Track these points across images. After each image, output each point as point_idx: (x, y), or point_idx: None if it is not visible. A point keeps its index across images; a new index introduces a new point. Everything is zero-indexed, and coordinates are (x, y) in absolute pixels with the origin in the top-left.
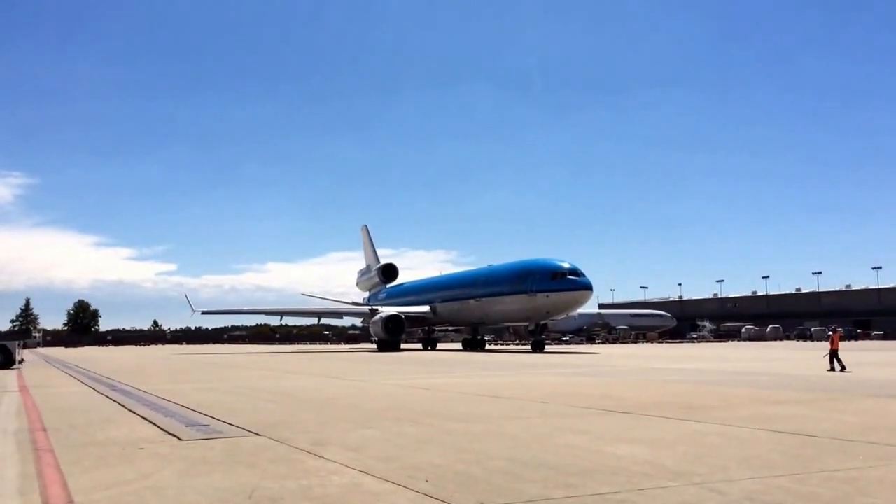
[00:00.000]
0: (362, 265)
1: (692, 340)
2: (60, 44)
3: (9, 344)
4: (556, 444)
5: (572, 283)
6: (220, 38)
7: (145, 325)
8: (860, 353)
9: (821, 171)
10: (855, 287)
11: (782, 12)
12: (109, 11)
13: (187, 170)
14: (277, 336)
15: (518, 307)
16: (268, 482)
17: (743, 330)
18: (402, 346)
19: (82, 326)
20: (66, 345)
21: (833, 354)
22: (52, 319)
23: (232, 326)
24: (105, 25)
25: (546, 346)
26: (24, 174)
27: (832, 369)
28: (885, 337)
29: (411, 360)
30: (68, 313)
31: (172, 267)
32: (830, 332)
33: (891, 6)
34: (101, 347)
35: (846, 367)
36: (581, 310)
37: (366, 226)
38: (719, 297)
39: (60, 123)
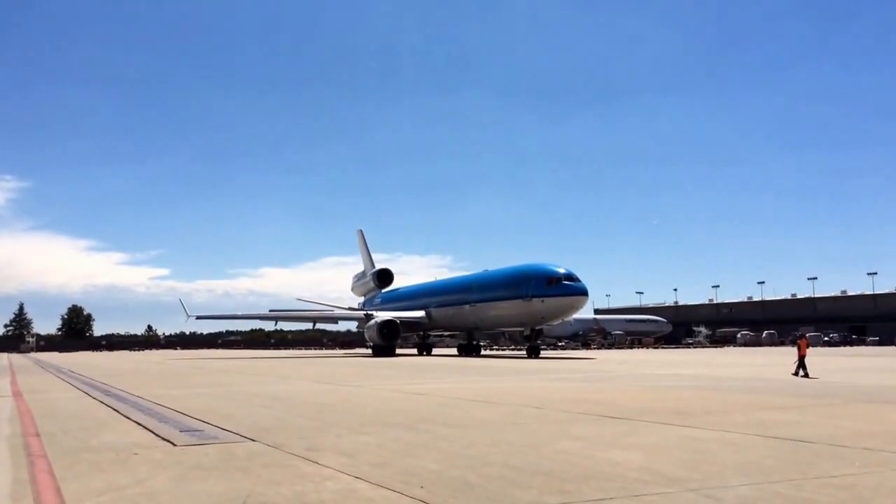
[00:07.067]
0: (357, 270)
1: (688, 346)
2: (54, 48)
3: None
4: (552, 450)
5: (568, 288)
6: (213, 45)
7: (139, 330)
8: (851, 360)
9: (816, 176)
10: (850, 293)
11: (775, 19)
12: (104, 17)
13: (180, 174)
14: (272, 341)
15: (513, 312)
16: (262, 488)
17: (738, 335)
18: (398, 351)
19: (76, 331)
20: (60, 350)
21: (801, 360)
22: (46, 324)
23: (227, 331)
24: (99, 30)
25: (542, 352)
26: (17, 178)
27: (796, 374)
28: (880, 343)
29: (406, 366)
30: (62, 318)
31: (165, 272)
32: (798, 339)
33: (883, 14)
34: (95, 352)
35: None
36: (577, 315)
37: (361, 230)
38: (715, 302)
39: (53, 127)
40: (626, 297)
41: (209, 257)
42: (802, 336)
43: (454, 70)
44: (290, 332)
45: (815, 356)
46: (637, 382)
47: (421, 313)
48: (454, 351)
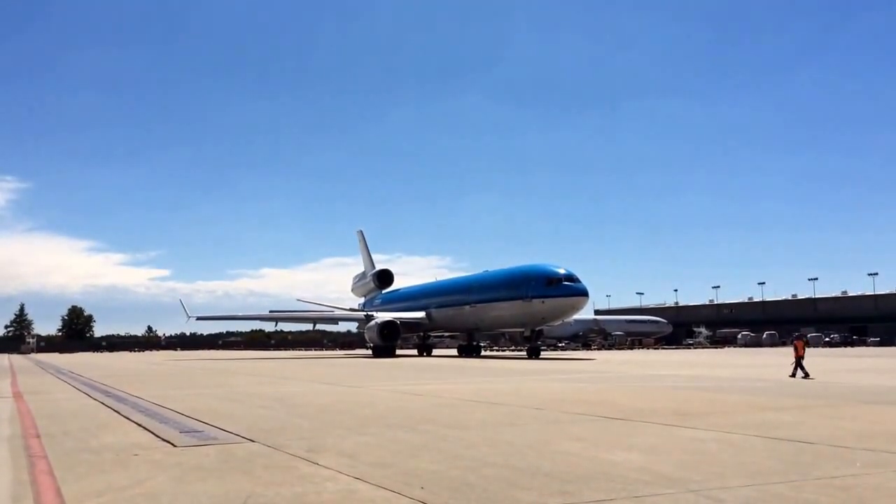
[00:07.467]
0: (357, 270)
1: (688, 347)
2: (55, 50)
3: None
4: (552, 451)
5: (568, 288)
6: (213, 45)
7: (139, 331)
8: (851, 360)
9: (816, 177)
10: (851, 293)
11: (774, 21)
12: (104, 19)
13: (180, 175)
14: (272, 342)
15: (513, 313)
16: (262, 489)
17: (739, 336)
18: (398, 351)
19: (76, 332)
20: (61, 350)
21: (798, 362)
22: (46, 325)
23: (227, 332)
24: (99, 31)
25: (542, 353)
26: (17, 178)
27: (793, 375)
28: (881, 343)
29: (406, 366)
30: (62, 319)
31: (165, 272)
32: (794, 340)
33: (885, 15)
34: (95, 353)
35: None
36: (577, 316)
37: (361, 231)
38: (715, 303)
39: (53, 128)
40: (626, 298)
41: (209, 258)
42: (799, 337)
43: (454, 72)
44: (291, 332)
45: (815, 357)
46: (637, 383)
47: (421, 314)
48: (454, 352)
